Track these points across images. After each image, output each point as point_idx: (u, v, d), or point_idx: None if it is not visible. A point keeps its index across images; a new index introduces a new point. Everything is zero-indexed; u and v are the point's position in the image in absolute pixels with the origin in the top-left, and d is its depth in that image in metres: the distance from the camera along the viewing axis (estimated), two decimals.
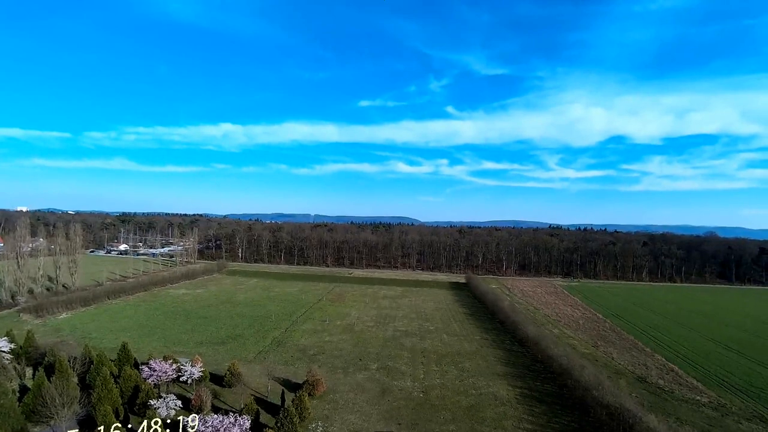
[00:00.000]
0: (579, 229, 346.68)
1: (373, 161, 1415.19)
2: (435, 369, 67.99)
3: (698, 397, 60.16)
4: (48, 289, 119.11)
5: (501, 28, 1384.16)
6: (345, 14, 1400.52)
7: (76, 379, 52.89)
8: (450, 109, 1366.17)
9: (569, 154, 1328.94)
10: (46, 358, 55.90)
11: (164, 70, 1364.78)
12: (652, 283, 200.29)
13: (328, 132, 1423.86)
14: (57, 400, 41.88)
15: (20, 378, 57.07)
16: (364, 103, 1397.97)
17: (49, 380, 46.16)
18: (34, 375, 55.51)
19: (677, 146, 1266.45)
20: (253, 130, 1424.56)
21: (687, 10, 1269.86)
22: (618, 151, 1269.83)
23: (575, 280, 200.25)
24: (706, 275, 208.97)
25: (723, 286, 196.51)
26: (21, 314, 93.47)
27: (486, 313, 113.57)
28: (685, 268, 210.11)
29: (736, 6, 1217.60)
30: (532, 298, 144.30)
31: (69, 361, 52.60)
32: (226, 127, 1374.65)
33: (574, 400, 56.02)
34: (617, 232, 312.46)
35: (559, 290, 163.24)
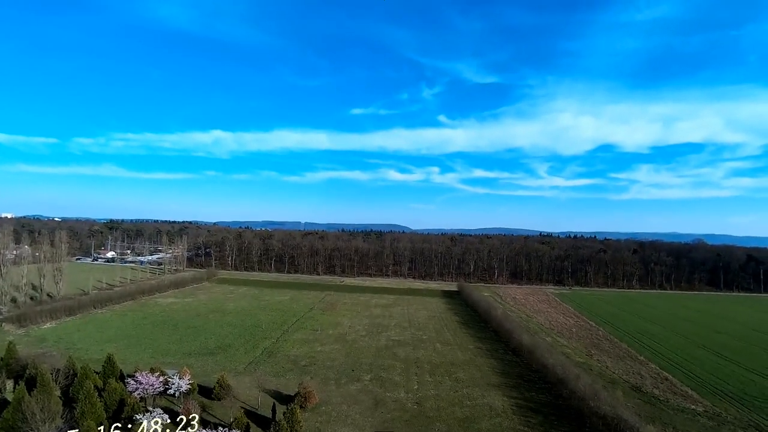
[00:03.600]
0: (569, 236, 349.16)
1: (364, 169, 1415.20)
2: (429, 379, 67.05)
3: (693, 407, 60.00)
4: (32, 298, 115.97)
5: (492, 36, 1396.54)
6: (337, 22, 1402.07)
7: (58, 393, 51.05)
8: (442, 117, 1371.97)
9: (559, 163, 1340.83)
10: (27, 371, 53.84)
11: (154, 75, 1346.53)
12: (642, 290, 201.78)
13: (319, 139, 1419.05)
14: (38, 415, 40.17)
15: (0, 391, 54.93)
16: (356, 111, 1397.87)
17: (30, 394, 44.44)
18: (14, 388, 53.41)
19: (665, 155, 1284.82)
20: (244, 137, 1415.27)
21: (674, 21, 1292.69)
22: (607, 160, 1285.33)
23: (567, 287, 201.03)
24: (695, 282, 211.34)
25: (712, 293, 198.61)
26: (3, 324, 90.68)
27: (479, 322, 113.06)
28: (674, 276, 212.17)
29: (721, 17, 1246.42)
30: (525, 306, 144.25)
31: (52, 373, 50.90)
32: (217, 133, 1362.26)
33: (570, 411, 55.50)
34: (607, 239, 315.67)
35: (551, 298, 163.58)
